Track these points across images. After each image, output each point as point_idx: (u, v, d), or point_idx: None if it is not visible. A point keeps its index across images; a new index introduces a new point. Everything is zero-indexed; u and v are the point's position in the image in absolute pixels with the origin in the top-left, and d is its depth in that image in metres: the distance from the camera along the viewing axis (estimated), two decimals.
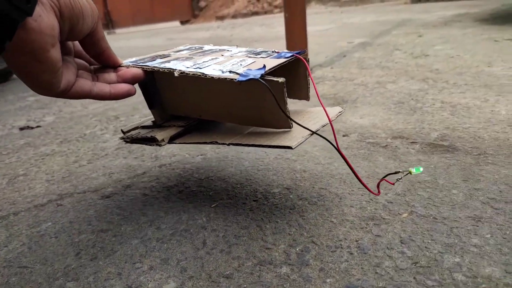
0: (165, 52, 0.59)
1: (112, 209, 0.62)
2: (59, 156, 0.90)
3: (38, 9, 0.34)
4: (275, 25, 4.29)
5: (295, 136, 0.48)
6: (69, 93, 0.42)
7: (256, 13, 6.91)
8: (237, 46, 0.62)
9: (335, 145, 0.46)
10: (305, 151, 0.77)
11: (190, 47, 0.63)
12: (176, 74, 0.48)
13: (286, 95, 0.45)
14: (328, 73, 1.53)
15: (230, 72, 0.46)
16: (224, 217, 0.57)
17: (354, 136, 0.82)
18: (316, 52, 2.13)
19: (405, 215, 0.53)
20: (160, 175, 0.73)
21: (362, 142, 0.79)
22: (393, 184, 0.50)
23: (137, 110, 1.24)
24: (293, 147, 0.45)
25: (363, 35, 2.61)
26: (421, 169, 0.48)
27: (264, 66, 0.46)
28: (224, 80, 0.45)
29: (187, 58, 0.54)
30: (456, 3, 4.19)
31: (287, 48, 1.56)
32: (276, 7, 7.01)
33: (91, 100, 1.46)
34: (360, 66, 1.63)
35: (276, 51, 0.55)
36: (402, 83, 1.23)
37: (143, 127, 0.58)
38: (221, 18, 7.28)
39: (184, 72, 0.48)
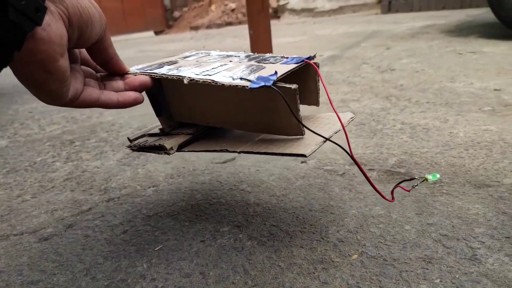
0: (173, 59, 0.58)
1: (48, 255, 0.57)
2: (3, 189, 0.84)
3: (47, 18, 0.33)
4: (247, 36, 4.29)
5: (308, 143, 0.46)
6: (76, 102, 0.41)
7: (230, 24, 6.91)
8: (244, 51, 0.62)
9: (349, 152, 0.45)
10: (261, 181, 0.74)
11: (197, 53, 0.62)
12: (185, 81, 0.47)
13: (299, 101, 0.45)
14: None
15: (241, 79, 0.45)
16: (167, 262, 0.53)
17: (313, 163, 0.80)
18: None
19: (355, 256, 0.50)
20: (106, 212, 0.69)
21: (319, 169, 0.76)
22: (409, 191, 0.49)
23: (94, 133, 1.19)
24: (307, 155, 0.43)
25: (333, 47, 2.62)
26: (438, 176, 0.47)
27: (276, 73, 0.45)
28: (236, 87, 0.44)
29: (195, 65, 0.53)
30: (424, 13, 4.29)
31: None
32: None
33: (48, 122, 1.40)
34: (328, 81, 1.62)
35: (285, 56, 0.54)
36: (365, 101, 1.23)
37: (150, 135, 0.57)
38: (196, 28, 7.24)
39: (193, 79, 0.46)
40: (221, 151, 0.50)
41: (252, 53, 0.59)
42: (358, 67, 1.87)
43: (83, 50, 0.46)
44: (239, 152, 0.48)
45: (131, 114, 1.36)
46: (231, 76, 0.46)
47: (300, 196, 0.67)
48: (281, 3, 6.63)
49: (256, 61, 0.53)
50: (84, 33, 0.38)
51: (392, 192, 0.49)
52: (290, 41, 3.34)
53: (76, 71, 0.42)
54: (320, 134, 0.46)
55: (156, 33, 7.83)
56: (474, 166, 0.71)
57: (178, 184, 0.77)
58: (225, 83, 0.45)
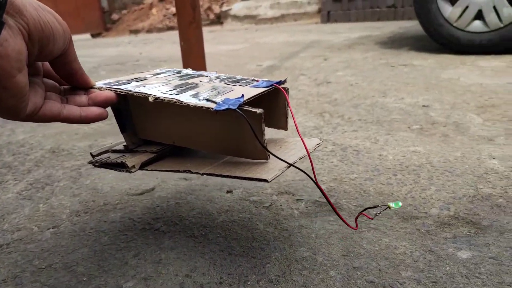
0: (142, 75, 0.57)
1: None
2: None
3: (4, 33, 0.33)
4: None
5: (272, 168, 0.46)
6: (36, 117, 0.40)
7: (171, 28, 6.72)
8: (216, 71, 0.62)
9: (314, 179, 0.45)
10: (179, 218, 0.66)
11: (168, 70, 0.62)
12: (150, 99, 0.46)
13: (264, 126, 0.45)
14: None
15: (207, 100, 0.45)
16: None
17: (238, 193, 0.73)
18: None
19: None
20: None
21: (245, 201, 0.70)
22: (372, 219, 0.49)
23: None
24: (269, 180, 0.43)
25: (273, 57, 2.61)
26: (400, 204, 0.47)
27: (243, 96, 0.45)
28: (201, 108, 0.44)
29: (163, 83, 0.52)
30: (361, 24, 4.44)
31: None
32: None
33: None
34: None
35: (256, 79, 0.54)
36: (299, 118, 1.19)
37: (114, 151, 0.56)
38: (136, 32, 6.97)
39: (159, 98, 0.46)
40: (185, 171, 0.49)
41: (223, 74, 0.59)
42: (296, 79, 1.85)
43: (46, 62, 0.44)
44: (202, 174, 0.48)
45: (45, 132, 1.22)
46: (197, 97, 0.46)
47: (221, 236, 0.60)
48: (224, 9, 6.58)
49: (225, 83, 0.53)
50: (46, 48, 0.37)
51: (356, 220, 0.49)
52: (231, 48, 3.29)
53: (36, 84, 0.41)
54: (284, 159, 0.46)
55: (93, 35, 7.43)
56: (402, 194, 0.68)
57: (83, 224, 0.67)
58: (191, 104, 0.44)
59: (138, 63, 2.85)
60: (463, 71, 1.72)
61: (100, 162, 0.53)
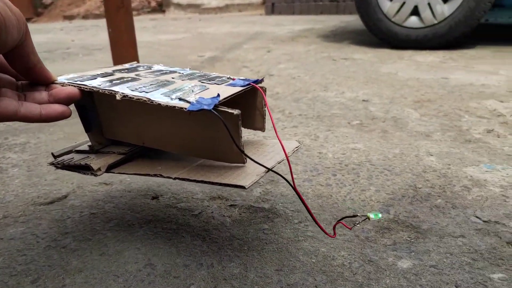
0: (109, 70, 0.53)
1: None
2: None
3: None
4: None
5: (249, 173, 0.44)
6: None
7: None
8: (190, 68, 0.58)
9: (292, 185, 0.43)
10: (93, 232, 0.57)
11: (138, 66, 0.58)
12: (118, 97, 0.42)
13: (241, 128, 0.42)
14: None
15: (180, 99, 0.42)
16: None
17: (165, 199, 0.65)
18: None
19: None
20: None
21: (172, 208, 0.63)
22: (350, 228, 0.49)
23: None
24: (246, 187, 0.41)
25: (215, 48, 2.52)
26: (380, 215, 0.45)
27: (218, 95, 0.42)
28: (173, 108, 0.41)
29: (132, 79, 0.48)
30: (304, 17, 4.47)
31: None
32: (132, 9, 6.56)
33: None
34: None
35: (232, 77, 0.51)
36: None
37: (78, 151, 0.52)
38: (70, 18, 6.49)
39: (127, 95, 0.42)
40: (155, 175, 0.46)
41: (197, 71, 0.56)
42: (238, 71, 1.78)
43: (0, 55, 0.41)
44: (174, 179, 0.45)
45: None
46: (169, 96, 0.43)
47: (140, 252, 0.52)
48: None
49: (199, 81, 0.50)
50: None
51: (334, 228, 0.45)
52: (172, 38, 3.14)
53: None
54: (262, 164, 0.43)
55: None
56: (342, 196, 0.64)
57: None
58: (162, 103, 0.41)
59: (68, 51, 2.62)
60: (401, 65, 1.76)
61: (63, 163, 0.49)
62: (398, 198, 0.63)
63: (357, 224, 0.48)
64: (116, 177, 0.73)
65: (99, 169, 0.47)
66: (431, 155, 0.79)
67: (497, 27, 2.93)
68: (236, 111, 0.41)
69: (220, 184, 0.43)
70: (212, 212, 0.61)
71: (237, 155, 0.44)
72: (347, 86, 1.41)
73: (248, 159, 0.44)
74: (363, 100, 1.21)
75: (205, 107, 0.40)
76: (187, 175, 0.45)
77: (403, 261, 0.48)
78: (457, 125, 0.97)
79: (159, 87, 0.46)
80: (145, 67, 0.58)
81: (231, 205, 0.63)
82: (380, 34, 2.20)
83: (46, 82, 0.43)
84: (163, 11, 6.39)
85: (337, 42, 2.58)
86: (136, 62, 0.61)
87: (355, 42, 2.54)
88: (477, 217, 0.57)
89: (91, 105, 0.49)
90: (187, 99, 0.42)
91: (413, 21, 2.09)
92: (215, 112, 0.40)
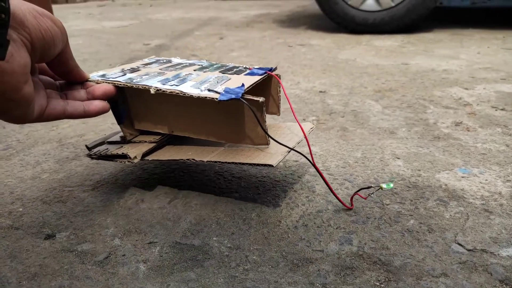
0: (134, 65, 0.57)
1: None
2: None
3: (9, 49, 0.33)
4: (72, 18, 3.62)
5: (274, 153, 0.48)
6: (43, 118, 0.41)
7: (54, 2, 5.86)
8: (206, 60, 0.62)
9: (311, 161, 0.49)
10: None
11: (158, 60, 0.61)
12: (152, 91, 0.47)
13: (265, 114, 0.46)
14: None
15: (209, 90, 0.46)
16: None
17: (63, 237, 0.49)
18: (100, 57, 1.72)
19: None
20: None
21: (69, 252, 0.47)
22: (365, 198, 0.52)
23: None
24: (274, 165, 0.45)
25: (164, 35, 2.31)
26: (392, 185, 0.49)
27: (243, 85, 0.46)
28: (204, 98, 0.45)
29: (158, 73, 0.52)
30: (260, 2, 4.30)
31: None
32: None
33: None
34: None
35: (248, 67, 0.56)
36: None
37: (110, 142, 0.56)
38: None
39: (160, 89, 0.47)
40: (188, 160, 0.50)
41: (214, 62, 0.59)
42: None
43: None
44: (206, 162, 0.49)
45: None
46: (198, 87, 0.47)
47: None
48: None
49: (220, 71, 0.53)
50: (47, 53, 0.38)
51: (351, 199, 0.52)
52: (118, 25, 2.89)
53: (36, 84, 0.41)
54: (285, 144, 0.48)
55: None
56: (293, 221, 0.51)
57: None
58: (194, 94, 0.45)
59: None
60: (359, 51, 1.65)
61: (99, 154, 0.53)
62: (362, 221, 0.50)
63: (371, 194, 0.52)
64: (4, 207, 0.56)
65: (135, 157, 0.51)
66: (398, 158, 0.67)
67: (452, 11, 2.91)
68: (261, 99, 0.45)
69: (250, 164, 0.47)
70: (124, 255, 0.46)
71: (262, 138, 0.48)
72: (303, 75, 1.28)
73: (271, 140, 0.48)
74: (320, 92, 1.09)
75: (234, 97, 0.44)
76: (218, 158, 0.49)
77: None
78: (422, 118, 0.86)
79: (186, 80, 0.49)
80: (165, 61, 0.61)
81: (150, 243, 0.48)
82: (337, 18, 2.09)
83: (82, 81, 0.47)
84: None
85: (293, 27, 2.45)
86: (154, 56, 0.65)
87: (312, 27, 2.42)
88: (459, 244, 0.45)
89: (122, 99, 0.52)
90: (215, 89, 0.46)
91: (370, 4, 1.99)
92: (244, 101, 0.44)
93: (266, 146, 0.49)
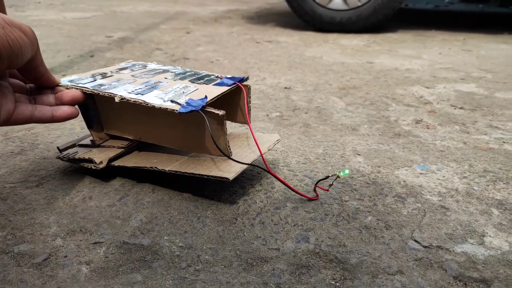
0: (106, 70, 0.58)
1: None
2: None
3: None
4: (23, 8, 3.44)
5: (234, 165, 0.49)
6: (9, 122, 0.42)
7: None
8: (181, 67, 0.63)
9: (268, 171, 0.50)
10: None
11: (134, 65, 0.62)
12: (117, 99, 0.47)
13: (226, 125, 0.46)
14: None
15: (172, 101, 0.47)
16: None
17: (0, 238, 0.45)
18: (58, 49, 1.64)
19: None
20: None
21: (5, 254, 0.43)
22: (327, 190, 0.52)
23: None
24: (230, 179, 0.46)
25: (128, 28, 2.24)
26: (347, 171, 0.49)
27: (206, 97, 0.47)
28: (166, 109, 0.46)
29: (129, 80, 0.54)
30: None
31: None
32: None
33: None
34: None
35: (219, 76, 0.57)
36: None
37: (81, 145, 0.57)
38: None
39: (125, 98, 0.47)
40: (151, 168, 0.51)
41: (188, 69, 0.60)
42: (149, 54, 1.56)
43: None
44: (168, 171, 0.50)
45: None
46: (162, 98, 0.48)
47: None
48: None
49: (190, 80, 0.55)
50: (15, 62, 0.39)
51: (314, 190, 0.52)
52: (80, 16, 2.77)
53: (5, 88, 0.42)
54: (243, 161, 0.49)
55: None
56: (250, 218, 0.49)
57: None
58: (156, 105, 0.46)
59: None
60: (326, 49, 1.66)
61: (68, 157, 0.54)
62: (320, 218, 0.49)
63: (331, 185, 0.52)
64: None
65: (101, 162, 0.52)
66: (359, 155, 0.67)
67: (416, 13, 2.99)
68: (221, 112, 0.45)
69: (208, 176, 0.48)
70: (65, 257, 0.42)
71: (222, 150, 0.48)
72: (269, 71, 1.27)
73: (232, 153, 0.49)
74: (285, 88, 1.08)
75: (194, 109, 0.44)
76: (179, 168, 0.50)
77: None
78: (384, 116, 0.87)
79: (153, 89, 0.51)
80: (140, 66, 0.62)
81: (95, 243, 0.45)
82: (305, 16, 2.09)
83: (52, 85, 0.48)
84: None
85: (261, 24, 2.44)
86: (131, 60, 0.66)
87: (281, 24, 2.42)
88: (415, 240, 0.45)
89: (92, 105, 0.53)
90: (178, 101, 0.46)
91: (338, 2, 2.00)
92: (202, 113, 0.45)
93: (227, 158, 0.49)
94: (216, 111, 0.45)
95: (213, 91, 0.50)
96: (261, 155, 0.51)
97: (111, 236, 0.45)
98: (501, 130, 0.79)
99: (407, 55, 1.54)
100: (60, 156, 0.56)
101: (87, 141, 0.58)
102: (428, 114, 0.88)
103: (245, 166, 0.49)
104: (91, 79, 0.53)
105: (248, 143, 0.56)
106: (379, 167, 0.62)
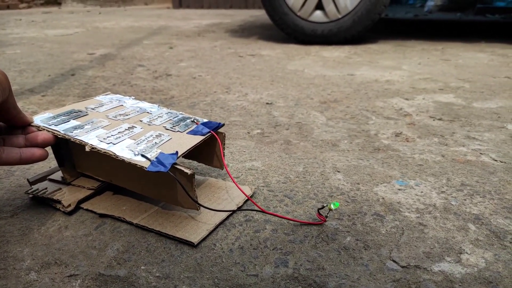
0: (81, 107, 0.58)
1: None
2: None
3: None
4: (9, 25, 3.41)
5: (205, 222, 0.50)
6: None
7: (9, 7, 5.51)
8: (158, 105, 0.62)
9: (263, 211, 0.52)
10: None
11: (111, 100, 0.62)
12: (87, 149, 0.48)
13: (195, 184, 0.47)
14: (33, 106, 1.09)
15: (142, 155, 0.46)
16: None
17: None
18: (39, 68, 1.62)
19: None
20: None
21: None
22: (325, 220, 0.51)
23: None
24: (195, 244, 0.46)
25: (110, 44, 2.23)
26: (338, 204, 0.50)
27: (176, 153, 0.47)
28: (135, 165, 0.45)
29: (102, 123, 0.53)
30: (213, 11, 4.29)
31: None
32: (22, 0, 5.78)
33: None
34: (84, 92, 1.25)
35: (196, 121, 0.57)
36: None
37: (51, 180, 0.57)
38: None
39: (95, 148, 0.47)
40: (119, 218, 0.51)
41: (164, 109, 0.61)
42: (132, 71, 1.55)
43: None
44: (135, 225, 0.50)
45: None
46: (132, 150, 0.47)
47: None
48: None
49: (164, 127, 0.55)
50: None
51: (318, 215, 0.52)
52: (62, 33, 2.75)
53: None
54: (212, 221, 0.50)
55: None
56: (228, 245, 0.48)
57: None
58: (126, 159, 0.46)
59: None
60: (308, 62, 1.67)
61: (37, 195, 0.54)
62: (299, 240, 0.49)
63: (327, 214, 0.53)
64: None
65: (69, 205, 0.52)
66: (338, 172, 0.67)
67: (396, 23, 3.05)
68: (190, 171, 0.45)
69: (173, 238, 0.48)
70: None
71: (191, 204, 0.48)
72: (252, 86, 1.28)
73: (201, 207, 0.49)
74: (267, 103, 1.08)
75: (162, 169, 0.44)
76: (146, 222, 0.50)
77: None
78: (364, 130, 0.88)
79: (125, 137, 0.50)
80: (117, 101, 0.62)
81: (70, 276, 0.44)
82: (287, 29, 2.11)
83: (24, 125, 0.48)
84: (58, 3, 5.74)
85: (245, 37, 2.45)
86: (109, 92, 0.67)
87: (264, 37, 2.44)
88: (394, 260, 0.45)
89: (64, 145, 0.54)
90: (149, 155, 0.46)
91: (318, 15, 2.03)
92: (172, 174, 0.45)
93: (197, 211, 0.50)
94: (186, 170, 0.45)
95: (185, 143, 0.50)
96: (232, 212, 0.53)
97: (86, 268, 0.45)
98: (478, 141, 0.80)
99: (387, 66, 1.56)
100: (29, 191, 0.55)
101: (58, 175, 0.57)
102: (407, 127, 0.90)
103: (213, 227, 0.50)
104: (65, 117, 0.53)
105: (219, 197, 0.57)
106: (359, 184, 0.63)
